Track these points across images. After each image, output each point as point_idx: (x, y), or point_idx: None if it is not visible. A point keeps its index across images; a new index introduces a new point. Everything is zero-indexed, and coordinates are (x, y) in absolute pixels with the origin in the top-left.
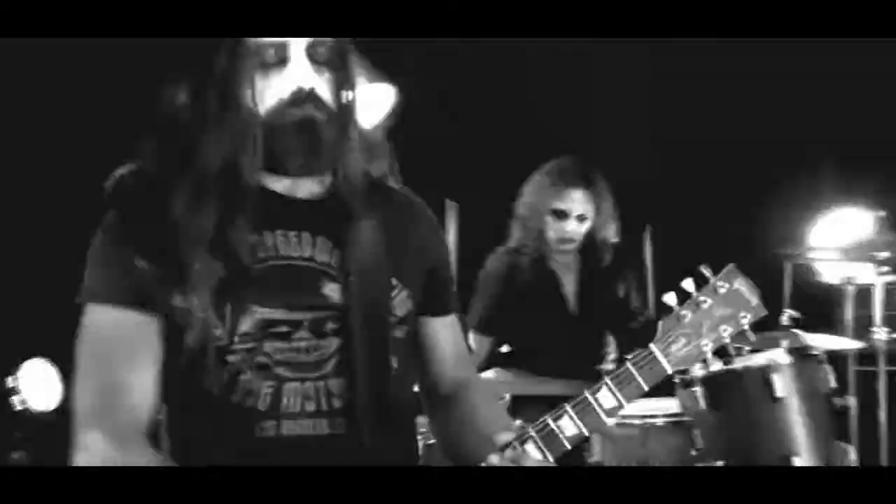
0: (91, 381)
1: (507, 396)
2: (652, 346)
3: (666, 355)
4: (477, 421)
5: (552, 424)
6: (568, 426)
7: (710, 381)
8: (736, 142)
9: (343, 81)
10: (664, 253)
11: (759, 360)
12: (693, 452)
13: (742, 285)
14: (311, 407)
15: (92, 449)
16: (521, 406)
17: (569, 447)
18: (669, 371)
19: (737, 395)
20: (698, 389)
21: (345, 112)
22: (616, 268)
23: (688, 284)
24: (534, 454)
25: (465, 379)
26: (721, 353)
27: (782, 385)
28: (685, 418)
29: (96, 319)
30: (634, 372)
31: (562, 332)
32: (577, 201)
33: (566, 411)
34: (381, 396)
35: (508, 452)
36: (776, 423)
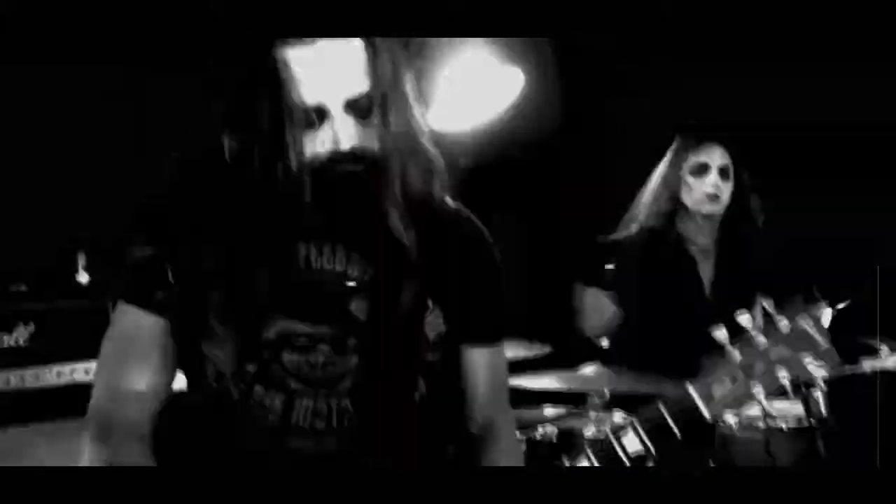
0: (100, 381)
1: (607, 393)
2: (689, 386)
3: (705, 398)
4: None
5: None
6: None
7: (834, 386)
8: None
9: (394, 118)
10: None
11: (889, 363)
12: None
13: (809, 324)
14: (320, 424)
15: (86, 451)
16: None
17: None
18: (708, 417)
19: (863, 401)
20: (819, 394)
21: (399, 144)
22: (758, 254)
23: (743, 319)
24: None
25: (493, 420)
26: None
27: None
28: (811, 423)
29: (121, 318)
30: (666, 415)
31: (694, 319)
32: (718, 154)
33: (586, 452)
34: (400, 419)
35: None
36: None
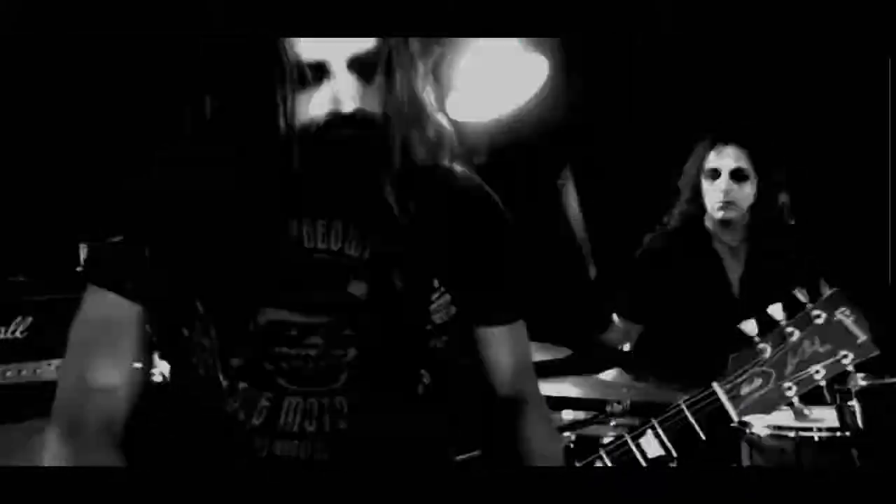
0: (69, 372)
1: (628, 402)
2: (715, 385)
3: (732, 398)
4: (524, 442)
5: None
6: None
7: (870, 395)
8: None
9: (400, 80)
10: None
11: None
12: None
13: (846, 316)
14: (311, 426)
15: (50, 449)
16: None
17: None
18: (735, 418)
19: None
20: (855, 404)
21: (402, 111)
22: (791, 253)
23: (775, 310)
24: None
25: (521, 390)
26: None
27: None
28: (845, 434)
29: (92, 304)
30: (689, 416)
31: (720, 321)
32: (729, 157)
33: (601, 457)
34: (401, 419)
35: None
36: None
